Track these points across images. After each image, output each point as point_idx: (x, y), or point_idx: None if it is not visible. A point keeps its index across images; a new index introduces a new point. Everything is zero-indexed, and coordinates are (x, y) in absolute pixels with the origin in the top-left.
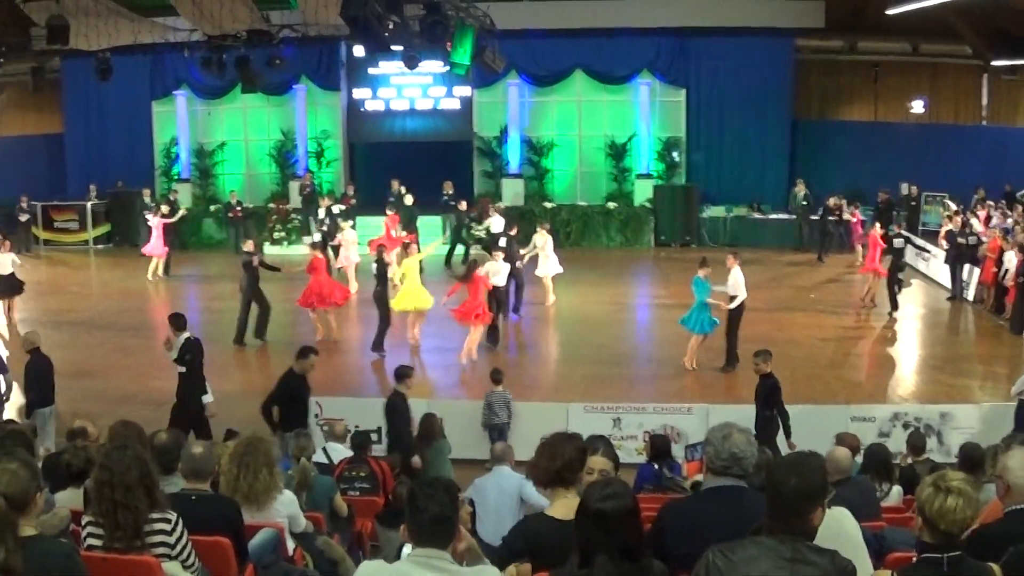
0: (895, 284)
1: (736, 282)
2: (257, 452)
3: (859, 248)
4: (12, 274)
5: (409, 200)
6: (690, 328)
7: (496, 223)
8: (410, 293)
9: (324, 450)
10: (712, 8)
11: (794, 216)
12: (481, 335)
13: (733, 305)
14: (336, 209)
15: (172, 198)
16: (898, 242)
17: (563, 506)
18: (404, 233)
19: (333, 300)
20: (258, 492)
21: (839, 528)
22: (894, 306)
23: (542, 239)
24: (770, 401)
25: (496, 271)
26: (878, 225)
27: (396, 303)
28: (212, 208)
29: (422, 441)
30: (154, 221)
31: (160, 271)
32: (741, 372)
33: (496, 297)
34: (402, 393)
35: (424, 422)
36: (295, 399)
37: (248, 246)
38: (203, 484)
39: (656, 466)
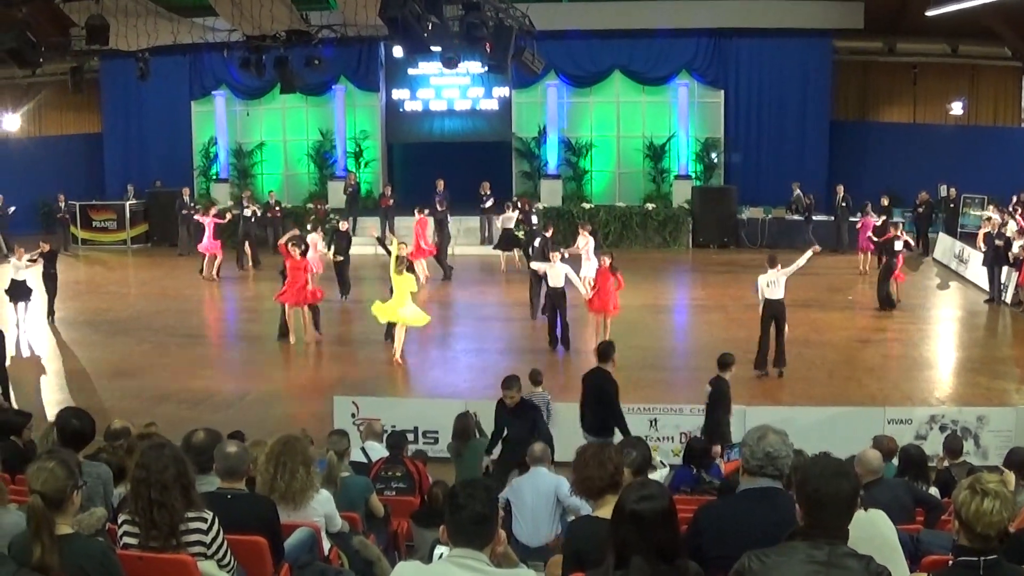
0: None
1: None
2: (294, 451)
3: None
4: (24, 281)
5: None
6: None
7: (509, 219)
8: (396, 307)
9: (363, 449)
10: (751, 9)
11: (832, 218)
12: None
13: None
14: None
15: (244, 198)
16: (898, 244)
17: (607, 510)
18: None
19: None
20: (295, 491)
21: (874, 531)
22: (888, 304)
23: (583, 240)
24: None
25: (554, 273)
26: (899, 227)
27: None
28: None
29: (458, 439)
30: (206, 221)
31: (212, 271)
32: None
33: (551, 299)
34: (725, 379)
35: (459, 421)
36: (602, 399)
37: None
38: (238, 483)
39: (693, 469)
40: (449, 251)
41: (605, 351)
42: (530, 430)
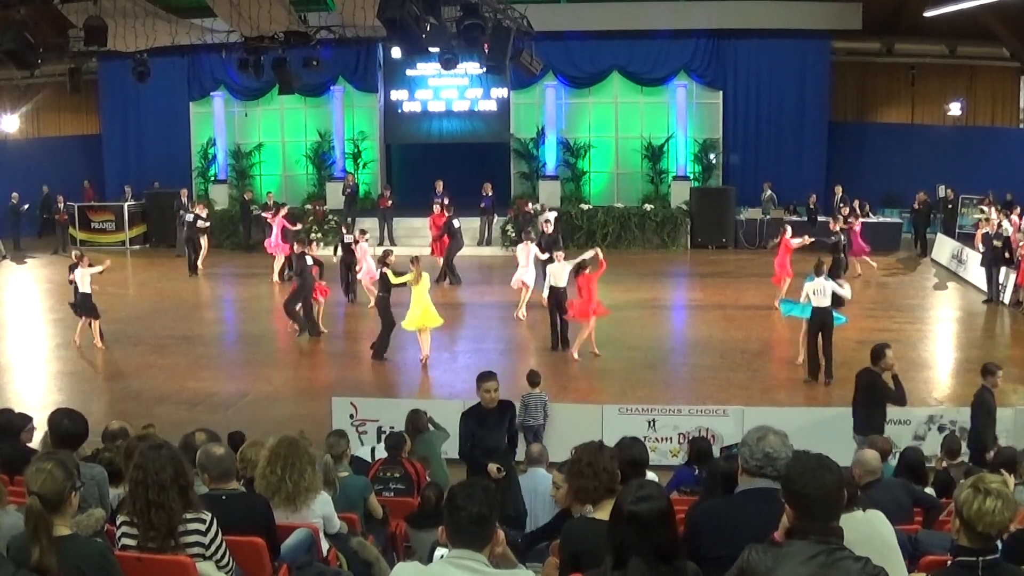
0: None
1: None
2: (300, 451)
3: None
4: (89, 295)
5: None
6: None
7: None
8: (418, 312)
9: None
10: (749, 10)
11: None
12: (591, 330)
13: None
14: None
15: (196, 204)
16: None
17: (602, 511)
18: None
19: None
20: (301, 491)
21: (872, 531)
22: None
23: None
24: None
25: (557, 272)
26: (789, 229)
27: (406, 323)
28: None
29: (410, 436)
30: (275, 221)
31: (274, 274)
32: (779, 374)
33: (555, 298)
34: (990, 389)
35: (410, 418)
36: (876, 400)
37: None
38: (231, 484)
39: (696, 469)
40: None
41: (875, 352)
42: (505, 434)
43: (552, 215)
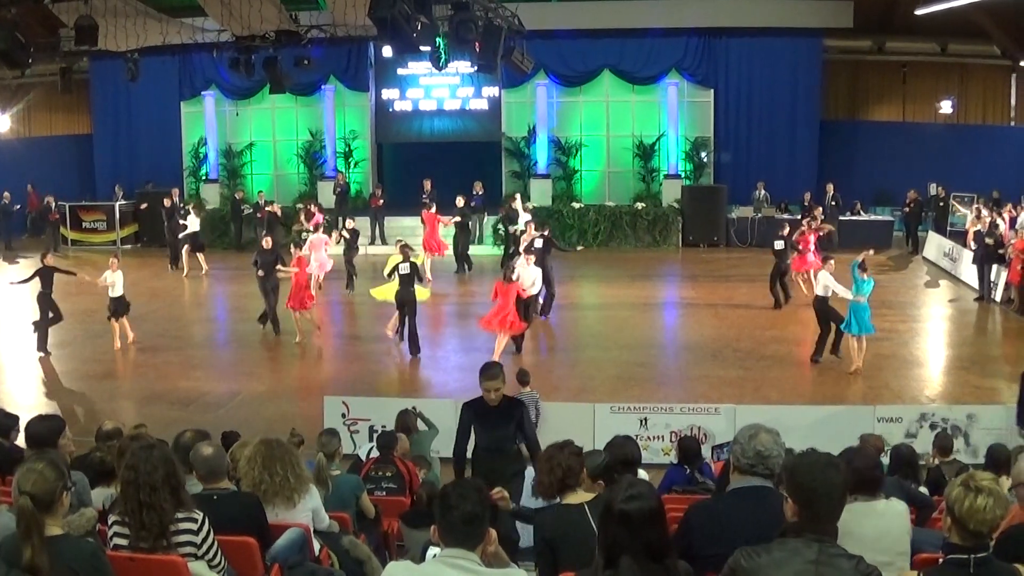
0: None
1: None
2: (286, 447)
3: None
4: (123, 296)
5: None
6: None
7: (522, 217)
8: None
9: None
10: (740, 8)
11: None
12: (508, 340)
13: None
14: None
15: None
16: (778, 244)
17: (572, 498)
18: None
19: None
20: (303, 482)
21: (887, 524)
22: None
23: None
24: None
25: (529, 277)
26: (805, 225)
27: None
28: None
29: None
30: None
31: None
32: (770, 373)
33: (524, 302)
34: None
35: (399, 418)
36: None
37: (267, 243)
38: (222, 483)
39: (687, 469)
40: (449, 251)
41: None
42: (514, 435)
43: (527, 217)
